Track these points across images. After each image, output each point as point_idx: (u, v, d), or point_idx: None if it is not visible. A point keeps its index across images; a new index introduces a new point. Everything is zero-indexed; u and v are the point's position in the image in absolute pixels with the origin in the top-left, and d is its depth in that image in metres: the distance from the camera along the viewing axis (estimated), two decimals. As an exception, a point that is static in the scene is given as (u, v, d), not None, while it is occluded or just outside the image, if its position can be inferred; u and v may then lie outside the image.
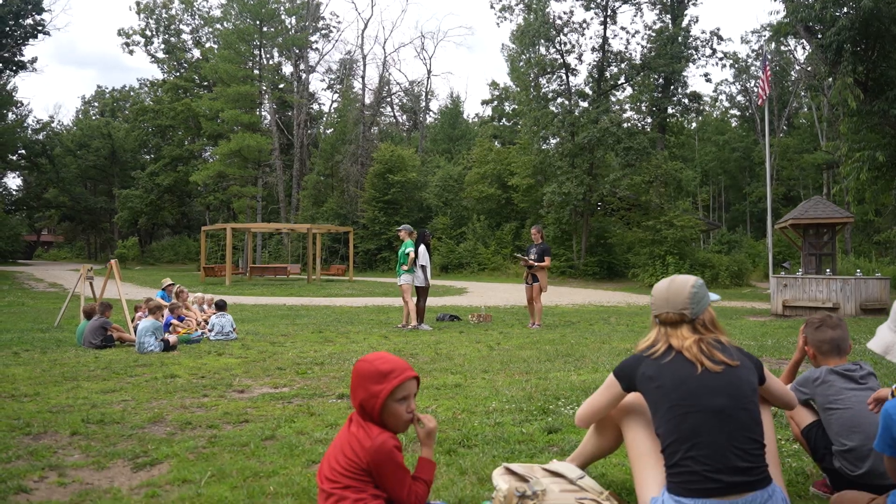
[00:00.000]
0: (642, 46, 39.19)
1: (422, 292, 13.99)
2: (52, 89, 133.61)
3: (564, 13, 47.42)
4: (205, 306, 15.30)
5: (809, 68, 41.14)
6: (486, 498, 3.17)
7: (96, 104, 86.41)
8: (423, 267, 13.86)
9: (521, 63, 40.06)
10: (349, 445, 2.57)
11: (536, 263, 13.73)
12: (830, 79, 20.90)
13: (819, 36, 18.59)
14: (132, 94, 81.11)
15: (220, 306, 12.32)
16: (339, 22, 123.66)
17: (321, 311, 18.74)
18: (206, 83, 64.23)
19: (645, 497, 2.80)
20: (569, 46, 37.89)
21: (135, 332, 10.50)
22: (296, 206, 56.41)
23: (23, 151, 68.29)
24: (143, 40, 69.02)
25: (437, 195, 47.41)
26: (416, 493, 2.61)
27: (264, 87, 56.04)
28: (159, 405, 5.92)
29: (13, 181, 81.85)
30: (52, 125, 75.97)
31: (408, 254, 13.69)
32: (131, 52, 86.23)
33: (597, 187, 35.44)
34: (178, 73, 68.31)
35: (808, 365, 3.63)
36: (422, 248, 14.05)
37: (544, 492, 2.73)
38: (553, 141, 39.56)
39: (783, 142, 51.65)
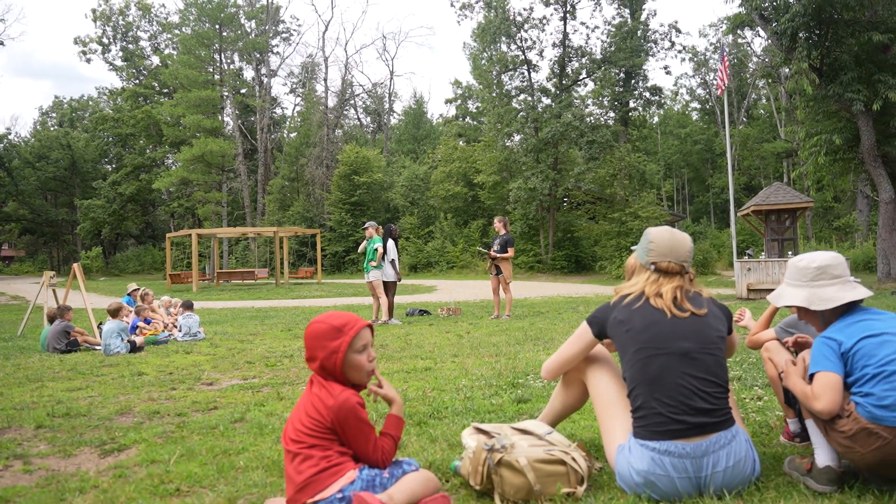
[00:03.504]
0: (602, 41, 39.67)
1: (390, 287, 13.97)
2: (8, 101, 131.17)
3: (524, 9, 47.83)
4: (171, 309, 15.14)
5: (766, 59, 41.89)
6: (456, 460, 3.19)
7: (54, 115, 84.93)
8: (391, 262, 13.86)
9: (483, 61, 40.23)
10: (312, 405, 2.57)
11: (499, 255, 13.77)
12: (787, 68, 21.28)
13: (774, 23, 18.90)
14: (91, 103, 79.92)
15: (188, 306, 12.19)
16: (299, 25, 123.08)
17: (290, 311, 18.62)
18: (166, 90, 63.47)
19: (612, 445, 2.84)
20: (530, 43, 38.17)
21: (100, 334, 10.36)
22: (262, 210, 55.98)
23: (-22, 165, 67.05)
24: (100, 48, 67.96)
25: (403, 195, 47.37)
26: (382, 449, 2.62)
27: (226, 92, 55.53)
28: (126, 399, 5.85)
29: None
30: (10, 137, 74.61)
31: (376, 249, 13.67)
32: (88, 61, 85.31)
33: (562, 182, 35.69)
34: (137, 81, 67.37)
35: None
36: (389, 242, 14.03)
37: (513, 445, 2.75)
38: (517, 137, 39.75)
39: (743, 132, 52.47)
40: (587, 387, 3.10)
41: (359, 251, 13.92)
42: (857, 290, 2.87)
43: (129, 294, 16.02)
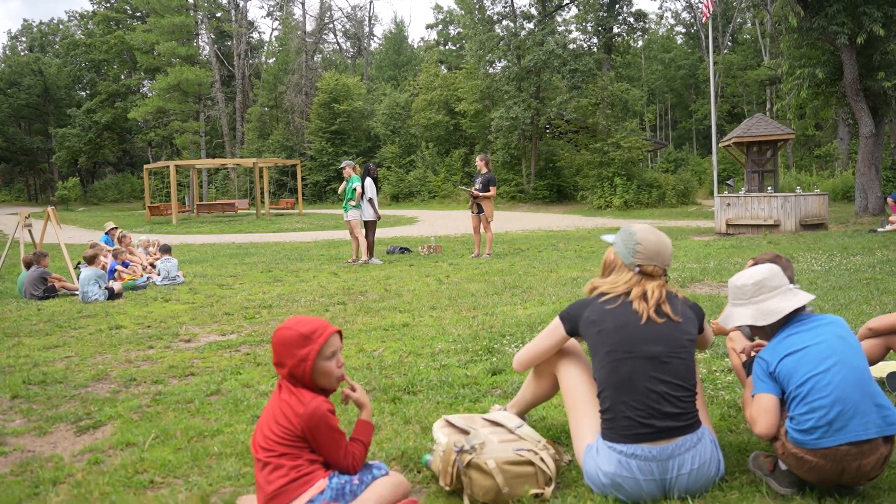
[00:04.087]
0: (587, -37, 38.60)
1: (370, 226, 13.94)
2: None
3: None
4: (150, 249, 15.05)
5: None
6: (428, 450, 3.22)
7: (24, 39, 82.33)
8: (370, 200, 13.79)
9: (465, -16, 39.21)
10: (282, 413, 2.57)
11: (481, 194, 13.73)
12: (772, -3, 20.91)
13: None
14: (62, 27, 77.46)
15: (165, 250, 12.11)
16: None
17: (270, 248, 18.58)
18: (138, 14, 61.56)
19: (580, 445, 2.88)
20: (512, -35, 37.15)
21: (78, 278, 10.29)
22: (241, 139, 55.19)
23: (-52, 92, 65.30)
24: (68, -31, 65.54)
25: (384, 123, 46.72)
26: (352, 455, 2.64)
27: (200, 17, 53.97)
28: (103, 360, 5.85)
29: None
30: (-22, 63, 72.42)
31: (355, 189, 13.58)
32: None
33: (544, 111, 35.33)
34: (108, 4, 65.25)
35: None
36: (368, 181, 13.93)
37: (483, 444, 2.78)
38: (499, 65, 39.08)
39: (727, 59, 51.90)
40: (558, 381, 3.12)
41: (338, 193, 13.82)
42: (798, 297, 2.87)
43: (106, 233, 15.89)
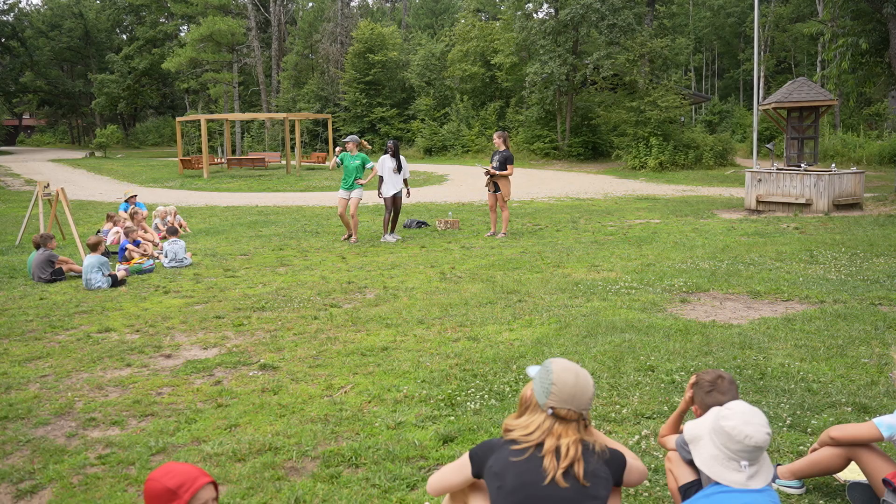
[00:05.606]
0: None
1: (386, 204, 13.76)
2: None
3: None
4: (168, 219, 15.09)
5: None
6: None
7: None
8: (380, 178, 13.60)
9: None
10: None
11: (498, 172, 13.45)
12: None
13: None
14: (101, -32, 77.41)
15: (172, 232, 12.10)
16: None
17: (292, 214, 18.53)
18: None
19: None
20: None
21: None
22: (276, 88, 54.94)
23: (-9, 35, 66.03)
24: None
25: (419, 75, 46.04)
26: None
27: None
28: (77, 382, 5.82)
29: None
30: (20, 5, 72.86)
31: (364, 167, 13.43)
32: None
33: (580, 67, 34.41)
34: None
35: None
36: (384, 158, 13.73)
37: None
38: (539, 15, 38.04)
39: (777, 11, 49.80)
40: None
41: (330, 167, 13.70)
42: (751, 482, 2.63)
43: (126, 201, 16.00)
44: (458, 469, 2.84)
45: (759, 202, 16.92)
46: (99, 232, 15.25)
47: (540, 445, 2.63)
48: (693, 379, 3.23)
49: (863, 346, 5.85)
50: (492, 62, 41.73)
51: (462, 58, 43.48)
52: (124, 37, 72.92)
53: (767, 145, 25.18)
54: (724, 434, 2.68)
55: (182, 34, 62.40)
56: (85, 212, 20.24)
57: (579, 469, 2.58)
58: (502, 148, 13.63)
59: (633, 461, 2.84)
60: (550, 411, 2.66)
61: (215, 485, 2.56)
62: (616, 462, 2.71)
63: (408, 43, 51.73)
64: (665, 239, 12.68)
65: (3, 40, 68.16)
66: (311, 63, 53.56)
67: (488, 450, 2.73)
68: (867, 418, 4.08)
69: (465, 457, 2.81)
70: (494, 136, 13.95)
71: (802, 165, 17.34)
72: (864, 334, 6.19)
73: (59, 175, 34.84)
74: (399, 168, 13.67)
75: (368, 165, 13.51)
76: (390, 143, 14.00)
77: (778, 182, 16.78)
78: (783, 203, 16.59)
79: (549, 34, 34.67)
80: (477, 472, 2.75)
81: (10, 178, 34.14)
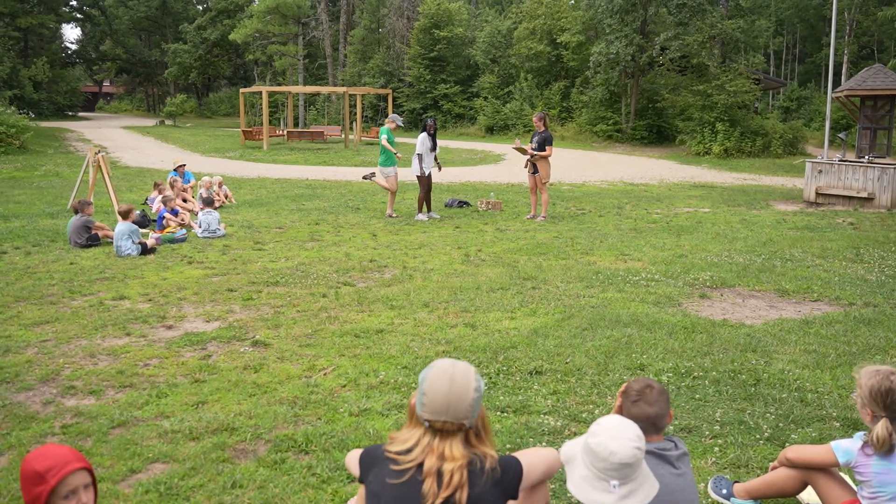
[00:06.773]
0: None
1: (421, 182, 13.63)
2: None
3: None
4: (214, 188, 15.27)
5: None
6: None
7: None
8: (418, 156, 13.47)
9: None
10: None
11: (537, 153, 13.17)
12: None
13: None
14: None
15: (208, 202, 12.22)
16: None
17: (339, 189, 18.60)
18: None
19: None
20: None
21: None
22: (342, 61, 55.14)
23: (74, 3, 67.96)
24: None
25: (484, 52, 45.50)
26: None
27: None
28: (74, 348, 5.90)
29: (72, 32, 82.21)
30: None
31: (388, 142, 13.50)
32: None
33: (647, 48, 33.46)
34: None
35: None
36: (423, 136, 13.61)
37: None
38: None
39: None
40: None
41: (384, 142, 13.65)
42: (627, 502, 2.38)
43: (175, 170, 16.30)
44: (354, 465, 2.68)
45: (818, 194, 16.18)
46: (147, 199, 15.61)
47: (420, 466, 2.39)
48: (623, 387, 3.00)
49: (879, 355, 5.46)
50: (558, 41, 40.92)
51: (528, 35, 42.74)
52: (200, 7, 74.16)
53: (840, 135, 24.08)
54: (591, 452, 2.43)
55: (255, 3, 63.20)
56: (142, 179, 20.70)
57: (462, 497, 2.34)
58: (541, 129, 13.36)
59: (534, 457, 2.64)
60: (427, 424, 2.44)
61: (91, 471, 2.48)
62: (508, 476, 2.48)
63: (474, 19, 51.16)
64: (708, 229, 12.21)
65: (84, 8, 70.29)
66: (377, 37, 53.50)
67: (372, 460, 2.54)
68: (853, 435, 3.77)
69: (358, 457, 2.65)
70: (534, 117, 13.80)
71: (867, 157, 16.46)
72: (884, 342, 5.78)
73: (127, 142, 35.76)
74: (434, 146, 13.61)
75: (381, 136, 13.78)
76: (430, 122, 13.87)
77: (839, 174, 16.00)
78: (844, 196, 15.82)
79: (617, 13, 33.78)
80: (362, 480, 2.59)
81: (81, 143, 35.12)
